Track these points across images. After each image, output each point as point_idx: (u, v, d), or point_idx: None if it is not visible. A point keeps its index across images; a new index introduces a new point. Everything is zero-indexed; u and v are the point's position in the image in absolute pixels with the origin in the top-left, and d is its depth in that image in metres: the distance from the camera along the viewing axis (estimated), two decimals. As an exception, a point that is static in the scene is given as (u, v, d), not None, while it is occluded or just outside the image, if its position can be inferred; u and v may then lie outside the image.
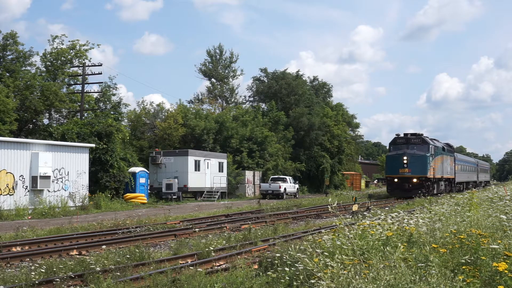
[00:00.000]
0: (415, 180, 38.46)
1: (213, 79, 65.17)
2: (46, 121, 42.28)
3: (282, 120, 58.00)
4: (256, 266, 10.21)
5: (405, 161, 38.77)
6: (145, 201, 33.41)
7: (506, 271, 5.19)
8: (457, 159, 52.19)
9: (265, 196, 42.35)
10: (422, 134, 41.22)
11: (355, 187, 68.16)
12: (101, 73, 59.61)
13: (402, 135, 41.79)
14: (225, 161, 42.84)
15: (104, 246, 13.24)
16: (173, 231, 16.97)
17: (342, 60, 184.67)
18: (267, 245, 13.04)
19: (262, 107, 62.52)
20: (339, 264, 5.95)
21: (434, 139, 45.21)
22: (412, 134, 41.33)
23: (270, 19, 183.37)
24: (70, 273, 9.46)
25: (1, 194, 24.05)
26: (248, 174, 46.82)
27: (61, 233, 16.63)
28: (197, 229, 17.19)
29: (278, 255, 8.98)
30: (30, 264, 11.15)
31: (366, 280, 5.43)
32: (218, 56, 65.82)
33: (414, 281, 5.30)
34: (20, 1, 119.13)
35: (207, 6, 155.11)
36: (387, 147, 45.85)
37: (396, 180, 39.44)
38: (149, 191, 35.89)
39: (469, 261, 5.94)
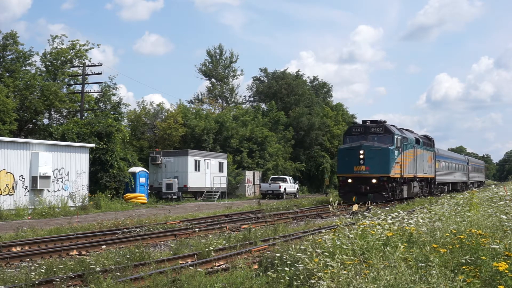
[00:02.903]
0: (374, 180, 30.31)
1: (213, 79, 65.22)
2: (46, 121, 42.40)
3: (282, 120, 58.03)
4: (256, 266, 10.21)
5: (361, 156, 30.42)
6: (145, 201, 33.42)
7: (506, 271, 5.19)
8: (439, 155, 44.07)
9: (265, 196, 42.36)
10: (385, 122, 32.72)
11: (355, 187, 68.10)
12: (101, 73, 59.79)
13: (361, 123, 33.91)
14: (225, 161, 42.86)
15: (104, 246, 13.24)
16: (173, 231, 16.97)
17: (342, 60, 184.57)
18: (267, 245, 13.03)
19: (262, 107, 62.56)
20: (339, 264, 5.95)
21: (405, 129, 37.29)
22: (372, 122, 32.76)
23: (270, 19, 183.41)
24: (70, 273, 9.46)
25: (1, 194, 24.05)
26: (248, 174, 46.85)
27: (61, 233, 16.63)
28: (197, 229, 17.19)
29: (278, 255, 8.97)
30: (30, 264, 11.14)
31: (366, 280, 5.43)
32: (218, 56, 65.88)
33: (414, 281, 5.30)
34: (21, 1, 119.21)
35: (207, 6, 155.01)
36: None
37: (350, 180, 30.93)
38: (149, 191, 35.89)
39: (469, 261, 5.93)
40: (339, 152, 33.17)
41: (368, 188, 30.32)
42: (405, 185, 33.21)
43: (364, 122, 33.27)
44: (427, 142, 40.79)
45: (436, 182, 42.34)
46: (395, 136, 31.52)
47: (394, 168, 31.06)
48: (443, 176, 45.49)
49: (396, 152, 31.37)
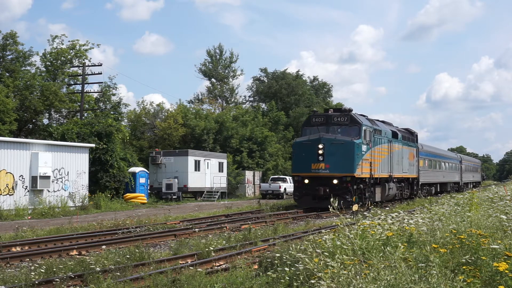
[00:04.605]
0: (335, 181, 25.20)
1: (213, 79, 65.26)
2: (46, 121, 42.41)
3: (282, 120, 58.06)
4: (256, 266, 10.20)
5: (320, 152, 25.23)
6: (145, 201, 33.41)
7: (506, 271, 5.19)
8: (423, 152, 38.60)
9: (265, 196, 42.32)
10: (351, 110, 27.14)
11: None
12: (101, 73, 59.83)
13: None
14: (225, 161, 42.86)
15: (104, 246, 13.22)
16: (173, 231, 16.95)
17: (342, 60, 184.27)
18: (267, 245, 13.03)
19: (262, 107, 62.62)
20: (340, 264, 5.95)
21: (381, 121, 32.49)
22: (335, 110, 27.84)
23: (270, 19, 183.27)
24: (70, 273, 9.45)
25: (1, 194, 24.04)
26: (248, 174, 46.84)
27: (61, 233, 16.61)
28: (197, 229, 17.18)
29: (278, 255, 8.97)
30: (30, 264, 11.14)
31: (366, 280, 5.42)
32: (218, 56, 65.92)
33: (415, 281, 5.30)
34: (21, 1, 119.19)
35: (207, 6, 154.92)
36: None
37: (306, 181, 25.92)
38: (149, 191, 35.90)
39: (470, 261, 5.93)
40: (294, 146, 27.63)
41: (328, 190, 24.97)
42: (378, 187, 28.36)
43: (326, 110, 28.48)
44: (408, 136, 35.37)
45: (420, 183, 36.98)
46: (363, 128, 26.32)
47: (361, 166, 26.00)
48: (429, 176, 40.29)
49: (364, 147, 26.30)
